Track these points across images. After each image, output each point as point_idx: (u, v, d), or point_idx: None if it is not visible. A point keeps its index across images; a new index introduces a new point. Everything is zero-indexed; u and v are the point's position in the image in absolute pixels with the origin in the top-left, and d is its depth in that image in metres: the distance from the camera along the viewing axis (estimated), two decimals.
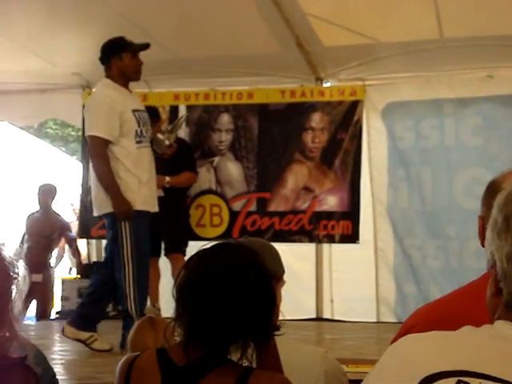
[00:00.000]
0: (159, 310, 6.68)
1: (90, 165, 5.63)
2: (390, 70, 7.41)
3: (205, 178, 7.77)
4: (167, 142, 5.91)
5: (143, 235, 5.44)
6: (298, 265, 7.50)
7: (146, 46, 5.68)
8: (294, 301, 7.00)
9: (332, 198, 7.52)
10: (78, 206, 8.70)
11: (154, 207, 5.61)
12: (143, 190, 5.48)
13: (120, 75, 5.56)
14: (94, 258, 8.53)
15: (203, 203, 7.78)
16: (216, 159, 7.80)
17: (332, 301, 7.72)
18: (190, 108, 7.88)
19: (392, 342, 1.52)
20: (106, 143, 5.39)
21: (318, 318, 7.53)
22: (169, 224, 6.91)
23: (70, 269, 10.47)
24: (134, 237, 5.35)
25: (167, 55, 7.25)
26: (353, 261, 7.57)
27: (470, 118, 7.25)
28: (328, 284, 7.70)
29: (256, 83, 7.81)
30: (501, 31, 6.51)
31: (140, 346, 2.67)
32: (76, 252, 8.84)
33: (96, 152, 5.46)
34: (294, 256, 7.40)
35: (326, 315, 7.59)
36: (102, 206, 5.48)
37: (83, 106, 8.14)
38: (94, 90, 5.75)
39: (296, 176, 7.62)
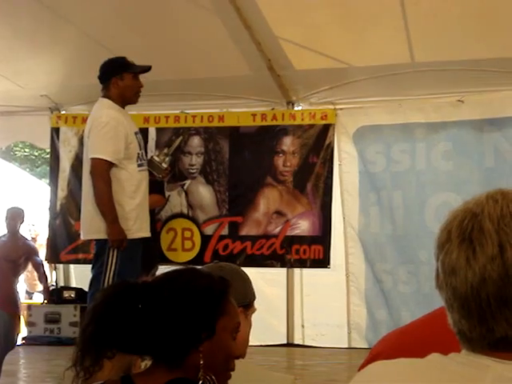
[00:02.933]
0: None
1: (86, 187, 5.49)
2: (362, 94, 7.42)
3: (176, 201, 7.73)
4: (164, 165, 5.88)
5: (131, 265, 5.33)
6: (268, 290, 7.46)
7: (147, 69, 5.60)
8: (265, 326, 6.94)
9: (304, 222, 7.49)
10: (38, 228, 8.60)
11: (147, 232, 5.55)
12: (140, 215, 5.43)
13: (119, 96, 5.45)
14: (61, 283, 8.43)
15: (175, 227, 7.72)
16: (187, 182, 7.75)
17: (303, 326, 7.67)
18: (159, 131, 7.83)
19: (359, 369, 1.50)
20: (110, 166, 5.31)
21: (289, 344, 7.47)
22: None
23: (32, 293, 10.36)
24: (119, 267, 5.25)
25: None
26: (324, 286, 7.55)
27: (440, 142, 7.27)
28: (299, 309, 7.65)
29: (227, 106, 7.80)
30: (471, 56, 6.55)
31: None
32: (43, 277, 8.71)
33: (101, 175, 5.31)
34: (265, 281, 7.37)
35: (297, 341, 7.53)
36: (93, 230, 5.39)
37: (52, 129, 8.13)
38: (93, 110, 5.59)
39: (268, 200, 7.59)
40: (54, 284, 8.60)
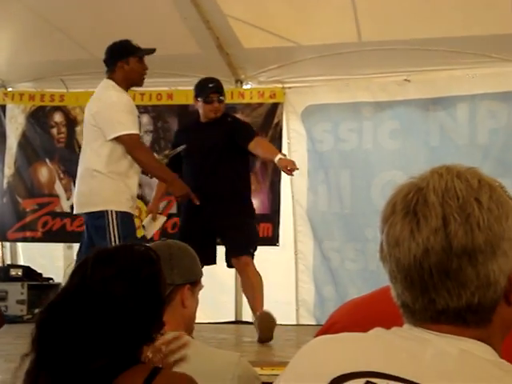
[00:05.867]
0: None
1: (83, 163, 5.49)
2: (310, 73, 7.44)
3: None
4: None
5: (132, 237, 5.30)
6: (218, 267, 7.45)
7: (152, 51, 5.59)
8: (214, 303, 6.96)
9: (253, 201, 7.50)
10: None
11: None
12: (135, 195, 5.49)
13: (124, 79, 5.41)
14: (8, 261, 8.35)
15: None
16: None
17: None
18: None
19: (315, 337, 1.52)
20: (139, 138, 5.42)
21: (238, 321, 7.51)
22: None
23: None
24: (123, 239, 5.20)
25: (84, 55, 7.13)
26: (273, 263, 7.57)
27: (387, 121, 7.33)
28: None
29: (176, 84, 7.77)
30: (417, 35, 6.61)
31: None
32: None
33: (138, 147, 5.36)
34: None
35: (246, 318, 7.56)
36: (91, 203, 5.32)
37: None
38: (98, 91, 5.51)
39: None
40: (1, 262, 8.51)
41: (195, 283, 2.61)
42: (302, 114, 7.58)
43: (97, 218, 5.29)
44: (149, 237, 6.18)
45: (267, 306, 7.49)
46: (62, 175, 7.97)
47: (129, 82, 5.46)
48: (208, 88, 6.00)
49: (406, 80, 7.25)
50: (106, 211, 5.25)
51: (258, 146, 5.85)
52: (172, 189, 5.56)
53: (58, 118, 8.01)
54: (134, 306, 1.86)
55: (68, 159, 7.83)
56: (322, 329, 1.90)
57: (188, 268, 2.59)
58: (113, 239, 5.21)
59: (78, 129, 7.85)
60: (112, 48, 5.53)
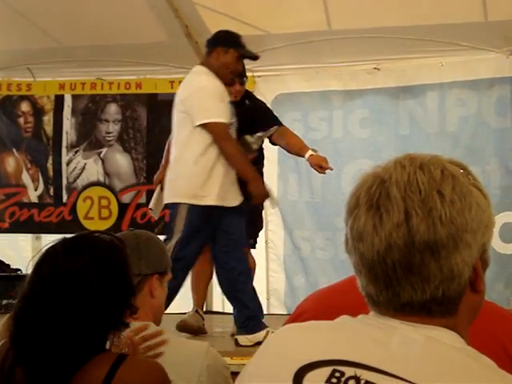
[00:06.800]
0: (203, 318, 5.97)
1: (176, 152, 5.29)
2: (279, 62, 7.42)
3: (93, 169, 7.64)
4: (255, 147, 5.65)
5: (195, 234, 5.17)
6: None
7: (254, 58, 5.44)
8: (184, 294, 6.93)
9: None
10: None
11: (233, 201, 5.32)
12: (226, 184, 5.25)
13: (215, 68, 5.21)
14: None
15: (91, 195, 7.64)
16: (104, 150, 7.66)
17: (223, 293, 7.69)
18: (75, 97, 7.70)
19: (284, 325, 1.51)
20: (228, 127, 5.18)
21: (208, 311, 7.48)
22: None
23: None
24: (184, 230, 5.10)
25: (52, 43, 7.08)
26: None
27: (357, 110, 7.34)
28: None
29: (144, 73, 7.71)
30: (387, 24, 6.62)
31: None
32: None
33: (225, 137, 5.14)
34: None
35: (217, 308, 7.55)
36: (175, 193, 5.20)
37: None
38: (188, 76, 5.41)
39: None
40: None
41: (163, 273, 2.60)
42: (272, 103, 7.54)
43: (174, 209, 5.21)
44: (157, 217, 6.10)
45: None
46: (29, 165, 7.88)
47: (219, 73, 5.23)
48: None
49: (375, 68, 7.26)
50: (180, 204, 5.13)
51: (284, 138, 5.69)
52: (252, 189, 5.20)
53: (25, 107, 7.93)
54: (105, 294, 1.88)
55: (35, 149, 7.76)
56: (290, 318, 1.89)
57: (156, 258, 2.58)
58: (175, 232, 5.10)
59: (45, 118, 7.78)
60: (221, 33, 5.41)
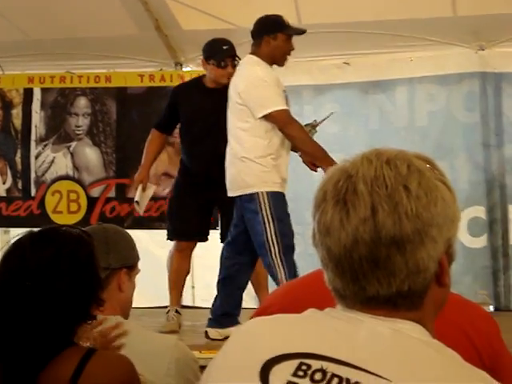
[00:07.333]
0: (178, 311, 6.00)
1: (233, 144, 5.26)
2: None
3: (62, 163, 7.59)
4: (312, 135, 5.61)
5: (287, 218, 5.34)
6: (158, 251, 7.42)
7: (302, 32, 5.40)
8: (154, 288, 6.93)
9: None
10: None
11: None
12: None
13: (268, 55, 5.22)
14: None
15: (60, 189, 7.58)
16: (73, 144, 7.61)
17: (193, 287, 7.69)
18: (44, 91, 7.65)
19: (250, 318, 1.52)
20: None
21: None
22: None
23: None
24: (276, 216, 5.16)
25: (20, 36, 7.01)
26: (214, 246, 7.54)
27: (327, 104, 7.33)
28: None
29: (114, 66, 7.68)
30: (357, 18, 6.63)
31: None
32: None
33: (290, 123, 5.20)
34: (156, 242, 7.33)
35: (187, 302, 7.53)
36: (240, 185, 5.18)
37: None
38: (241, 67, 5.35)
39: (156, 162, 7.51)
40: None
41: (132, 267, 2.60)
42: None
43: (249, 202, 5.16)
44: (142, 212, 6.08)
45: (209, 289, 7.49)
46: None
47: (272, 58, 5.26)
48: (223, 51, 5.79)
49: (345, 63, 7.27)
50: (257, 193, 5.11)
51: None
52: (325, 165, 5.22)
53: None
54: (72, 286, 1.89)
55: (4, 142, 7.70)
56: (257, 312, 1.90)
57: (124, 252, 2.58)
58: (266, 220, 5.11)
59: (14, 111, 7.71)
60: (262, 21, 5.36)
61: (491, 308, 6.68)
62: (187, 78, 7.54)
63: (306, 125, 5.63)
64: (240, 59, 5.71)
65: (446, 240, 1.30)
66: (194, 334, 5.37)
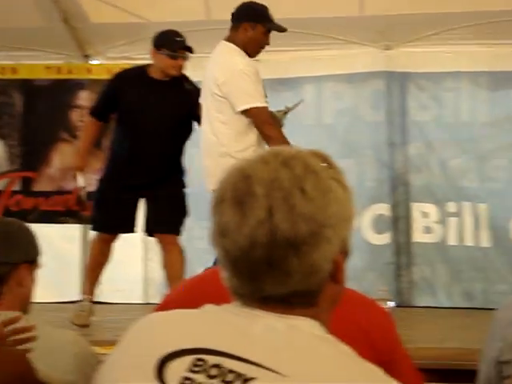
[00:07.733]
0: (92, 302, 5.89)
1: (205, 141, 5.18)
2: None
3: None
4: (283, 122, 5.46)
5: None
6: (64, 246, 7.34)
7: (282, 30, 5.32)
8: (60, 283, 6.85)
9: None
10: None
11: None
12: None
13: (243, 44, 5.12)
14: None
15: None
16: None
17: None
18: None
19: None
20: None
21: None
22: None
23: None
24: None
25: None
26: (121, 241, 7.50)
27: None
28: None
29: (20, 58, 7.53)
30: None
31: None
32: None
33: (267, 122, 5.08)
34: (61, 237, 7.24)
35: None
36: (212, 182, 5.00)
37: None
38: (218, 55, 5.25)
39: (63, 155, 7.43)
40: None
41: (33, 262, 2.56)
42: None
43: None
44: (84, 199, 5.98)
45: (115, 284, 7.45)
46: None
47: (246, 48, 5.17)
48: (176, 42, 5.66)
49: (255, 60, 7.28)
50: None
51: None
52: None
53: None
54: None
55: None
56: (156, 308, 1.90)
57: (26, 247, 2.54)
58: None
59: None
60: (245, 6, 5.25)
61: (392, 304, 6.81)
62: (95, 72, 7.48)
63: (278, 111, 5.63)
64: (192, 53, 5.68)
65: (341, 240, 1.32)
66: (99, 329, 5.32)
